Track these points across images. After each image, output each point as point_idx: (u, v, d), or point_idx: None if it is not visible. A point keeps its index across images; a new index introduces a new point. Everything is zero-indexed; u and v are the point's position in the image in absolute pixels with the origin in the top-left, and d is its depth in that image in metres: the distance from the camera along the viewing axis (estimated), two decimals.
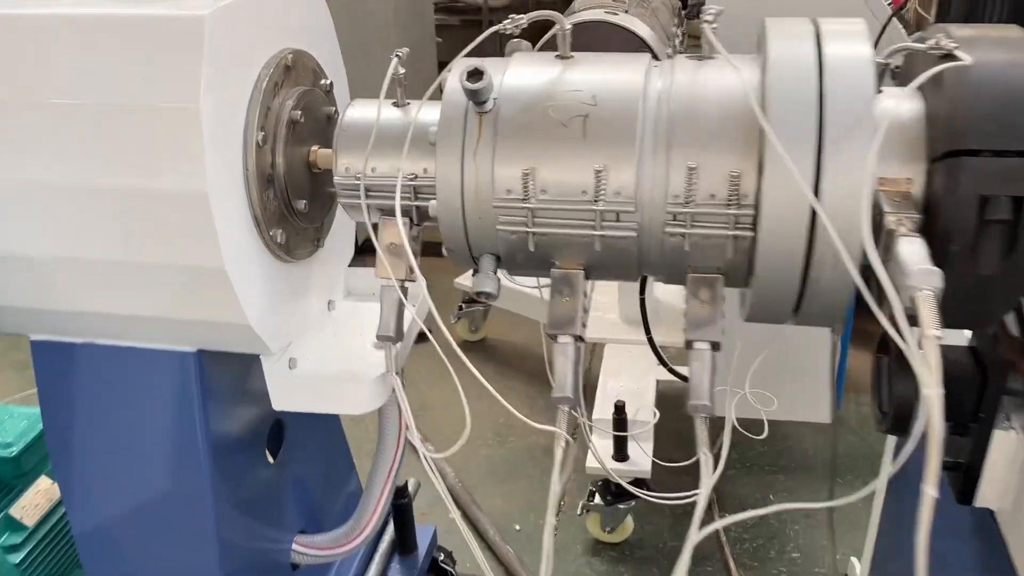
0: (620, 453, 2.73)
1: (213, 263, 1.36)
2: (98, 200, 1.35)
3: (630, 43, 1.85)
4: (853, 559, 2.77)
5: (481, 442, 3.37)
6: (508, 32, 1.39)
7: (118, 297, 1.46)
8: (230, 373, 1.66)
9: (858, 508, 3.23)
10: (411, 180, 1.44)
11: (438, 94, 1.44)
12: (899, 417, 1.47)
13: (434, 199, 1.42)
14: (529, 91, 1.35)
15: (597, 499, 2.85)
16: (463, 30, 6.46)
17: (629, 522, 2.89)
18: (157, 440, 1.64)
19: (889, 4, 2.28)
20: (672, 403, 2.88)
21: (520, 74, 1.38)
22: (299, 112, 1.49)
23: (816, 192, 1.20)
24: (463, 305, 3.94)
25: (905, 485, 2.11)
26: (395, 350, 1.55)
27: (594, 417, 2.85)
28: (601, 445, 2.81)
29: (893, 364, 1.46)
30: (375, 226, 1.50)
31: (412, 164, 1.44)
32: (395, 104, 1.50)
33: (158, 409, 1.62)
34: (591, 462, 2.76)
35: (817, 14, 1.37)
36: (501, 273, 1.45)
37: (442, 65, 1.45)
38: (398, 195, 1.38)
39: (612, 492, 2.81)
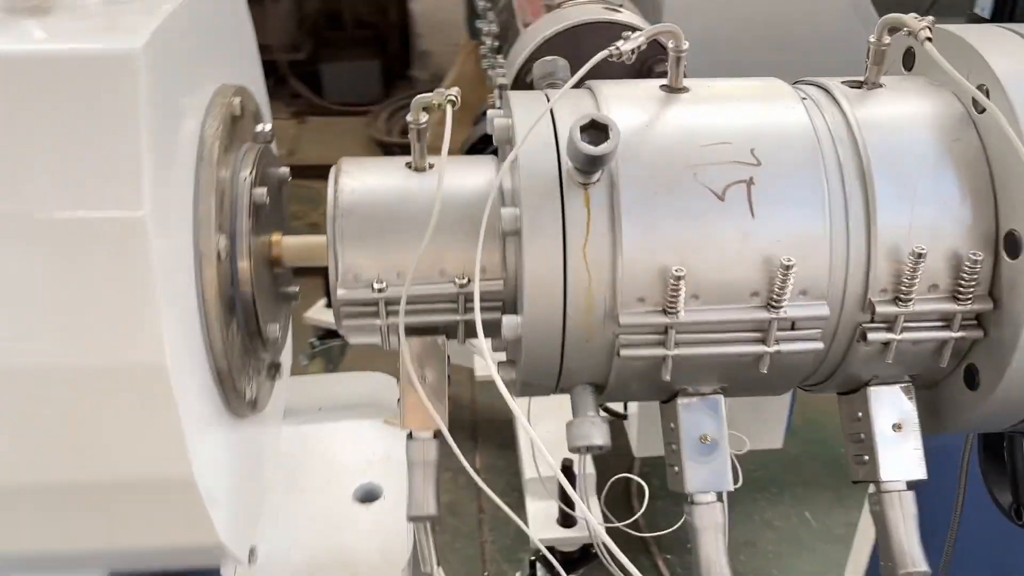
0: (567, 519, 2.32)
1: (173, 470, 0.79)
2: None
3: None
4: None
5: None
6: (619, 57, 0.91)
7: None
8: None
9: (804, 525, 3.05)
10: (462, 287, 0.94)
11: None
12: None
13: (495, 311, 0.94)
14: (656, 147, 0.89)
15: (540, 572, 2.43)
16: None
17: None
18: None
19: None
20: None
21: (632, 116, 0.91)
22: (264, 191, 0.93)
23: None
24: (315, 342, 3.34)
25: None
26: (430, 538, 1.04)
27: (526, 477, 2.42)
28: (539, 509, 2.39)
29: None
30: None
31: (456, 261, 0.94)
32: (409, 165, 0.98)
33: None
34: (535, 531, 2.33)
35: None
36: None
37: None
38: (478, 306, 0.87)
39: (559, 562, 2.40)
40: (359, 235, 0.93)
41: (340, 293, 0.93)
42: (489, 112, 1.03)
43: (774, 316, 0.88)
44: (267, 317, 0.96)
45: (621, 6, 1.47)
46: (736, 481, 1.17)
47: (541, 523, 2.35)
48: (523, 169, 0.88)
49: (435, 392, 0.99)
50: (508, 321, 0.91)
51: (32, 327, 0.72)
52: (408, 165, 0.98)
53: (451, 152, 0.94)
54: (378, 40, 6.20)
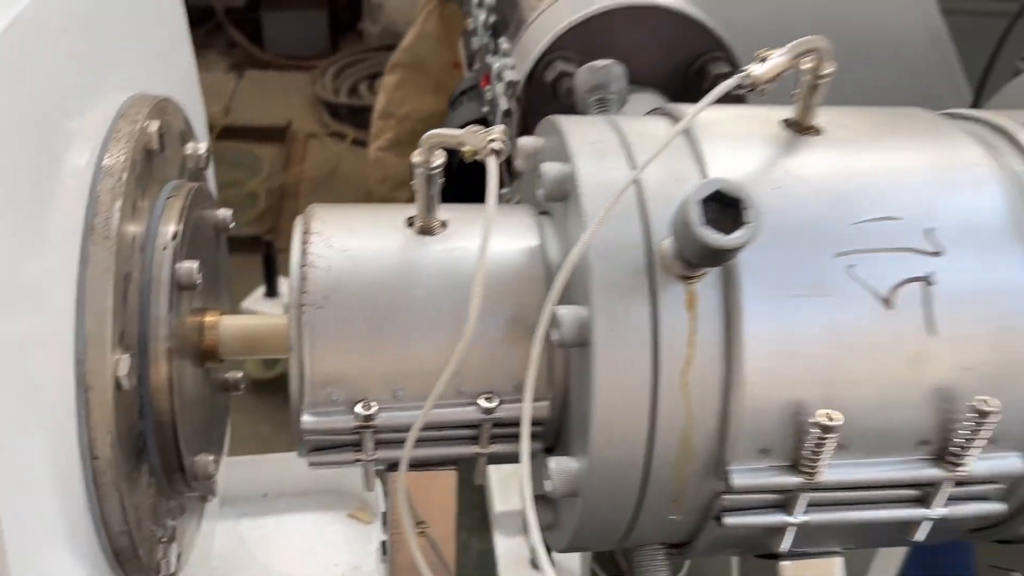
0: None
1: None
2: None
3: (669, 28, 1.10)
4: None
5: None
6: (751, 87, 0.61)
7: None
8: None
9: None
10: (487, 412, 0.63)
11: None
12: None
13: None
14: (793, 222, 0.60)
15: None
16: None
17: None
18: None
19: None
20: None
21: (750, 168, 0.61)
22: (194, 266, 0.61)
23: None
24: None
25: None
26: None
27: (497, 510, 2.14)
28: (508, 549, 2.11)
29: None
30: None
31: (478, 373, 0.64)
32: (411, 223, 0.67)
33: None
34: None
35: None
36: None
37: None
38: (526, 442, 0.57)
39: None
40: (339, 332, 0.62)
41: (307, 420, 0.62)
42: (523, 141, 0.72)
43: (949, 475, 0.60)
44: (196, 446, 0.64)
45: None
46: None
47: (512, 566, 2.08)
48: (595, 251, 0.58)
49: (439, 547, 0.69)
50: (559, 466, 0.62)
51: None
52: (409, 223, 0.67)
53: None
54: None
